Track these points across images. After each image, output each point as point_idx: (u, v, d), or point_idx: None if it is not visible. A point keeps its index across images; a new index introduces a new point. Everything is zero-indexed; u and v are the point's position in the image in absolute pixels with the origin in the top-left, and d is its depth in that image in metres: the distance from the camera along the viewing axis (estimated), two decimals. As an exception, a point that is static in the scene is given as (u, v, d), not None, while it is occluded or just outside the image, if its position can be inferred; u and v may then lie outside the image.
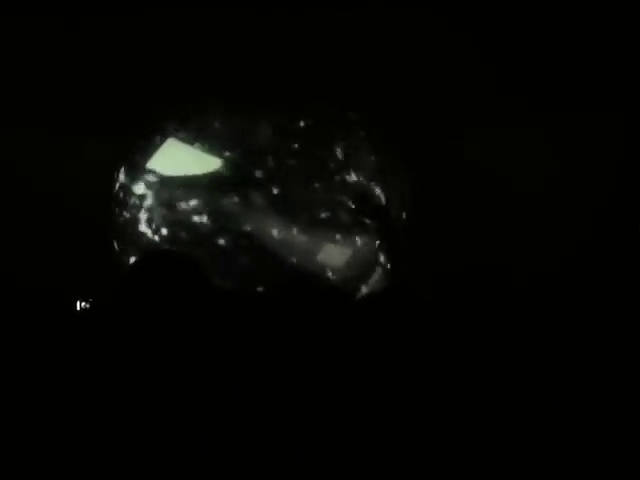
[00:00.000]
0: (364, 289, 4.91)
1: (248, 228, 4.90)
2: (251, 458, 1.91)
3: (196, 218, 4.88)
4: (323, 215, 4.93)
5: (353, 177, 5.00)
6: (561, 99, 4.50)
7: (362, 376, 2.09)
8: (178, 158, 4.93)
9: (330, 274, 4.88)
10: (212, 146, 4.92)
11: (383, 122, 4.75)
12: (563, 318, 2.41)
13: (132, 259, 4.70)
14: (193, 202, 4.88)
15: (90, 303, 2.60)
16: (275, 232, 4.93)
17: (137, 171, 4.89)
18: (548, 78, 4.52)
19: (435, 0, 4.41)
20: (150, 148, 4.88)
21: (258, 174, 4.92)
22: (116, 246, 4.83)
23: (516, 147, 4.56)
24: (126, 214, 4.90)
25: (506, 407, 2.10)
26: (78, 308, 2.69)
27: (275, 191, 4.92)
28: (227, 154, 4.91)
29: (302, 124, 4.89)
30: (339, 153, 4.96)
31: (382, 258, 4.97)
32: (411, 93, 4.56)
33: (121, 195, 4.87)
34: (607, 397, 2.11)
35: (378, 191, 4.94)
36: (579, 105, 4.49)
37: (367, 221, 4.85)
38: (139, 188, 4.91)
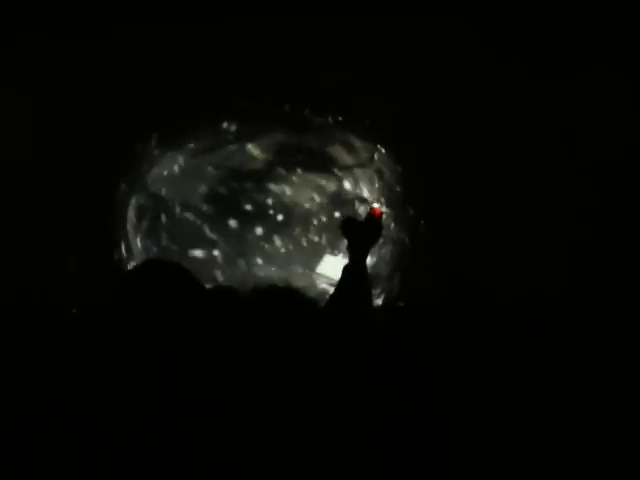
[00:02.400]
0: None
1: (245, 238, 4.91)
2: (246, 458, 1.91)
3: (196, 227, 4.89)
4: (321, 224, 4.93)
5: (355, 189, 5.01)
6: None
7: (355, 383, 2.09)
8: (178, 170, 4.94)
9: (329, 286, 4.87)
10: (211, 159, 4.93)
11: (393, 130, 4.73)
12: (567, 328, 2.40)
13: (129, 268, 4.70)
14: (192, 212, 4.89)
15: (89, 310, 2.60)
16: (274, 241, 4.93)
17: (137, 182, 4.90)
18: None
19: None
20: (150, 160, 4.88)
21: (256, 185, 4.93)
22: (116, 256, 4.82)
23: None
24: (126, 225, 4.91)
25: (503, 413, 2.09)
26: (78, 314, 2.69)
27: (273, 201, 4.93)
28: (225, 165, 4.92)
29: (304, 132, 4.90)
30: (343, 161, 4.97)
31: (384, 269, 4.97)
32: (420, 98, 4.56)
33: (121, 206, 4.87)
34: (605, 405, 2.10)
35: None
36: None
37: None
38: (139, 199, 4.91)
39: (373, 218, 2.88)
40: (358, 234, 2.69)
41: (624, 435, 2.08)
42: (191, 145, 4.88)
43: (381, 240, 2.82)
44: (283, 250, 4.96)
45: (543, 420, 2.12)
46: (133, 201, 4.90)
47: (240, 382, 2.01)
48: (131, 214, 4.90)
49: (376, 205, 3.05)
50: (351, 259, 2.59)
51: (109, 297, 2.09)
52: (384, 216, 2.99)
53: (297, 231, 5.00)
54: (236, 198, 4.94)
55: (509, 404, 2.13)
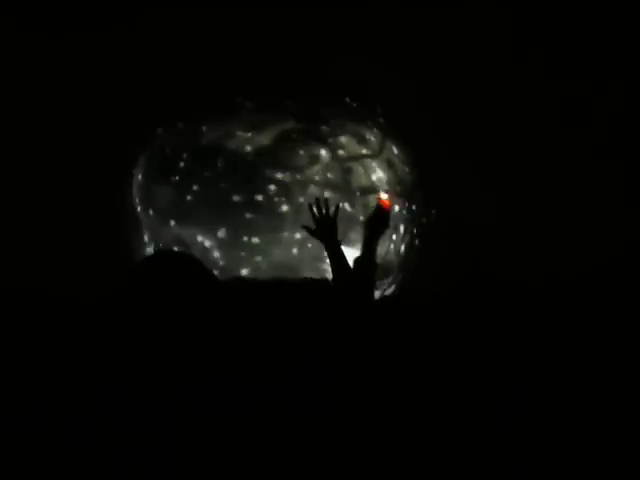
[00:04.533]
0: (376, 292, 4.88)
1: (254, 228, 4.90)
2: (252, 456, 1.91)
3: (205, 217, 4.88)
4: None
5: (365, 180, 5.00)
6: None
7: (363, 376, 2.09)
8: (186, 160, 4.93)
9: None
10: (220, 148, 4.92)
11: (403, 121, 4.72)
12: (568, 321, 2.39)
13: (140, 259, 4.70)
14: (201, 203, 4.88)
15: (98, 301, 2.61)
16: (282, 235, 4.92)
17: (146, 173, 4.89)
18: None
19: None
20: (158, 150, 4.88)
21: (266, 175, 4.92)
22: (126, 246, 4.82)
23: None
24: (136, 214, 4.91)
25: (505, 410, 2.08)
26: (87, 306, 2.70)
27: (282, 191, 4.92)
28: (235, 155, 4.91)
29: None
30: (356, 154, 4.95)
31: (393, 262, 4.97)
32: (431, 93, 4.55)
33: (130, 198, 4.87)
34: (607, 403, 2.10)
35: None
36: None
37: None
38: (148, 189, 4.91)
39: (382, 210, 2.92)
40: (371, 227, 2.73)
41: (629, 434, 2.08)
42: (200, 135, 4.88)
43: (387, 230, 2.86)
44: (292, 240, 4.96)
45: (553, 414, 2.12)
46: (142, 191, 4.91)
47: (252, 375, 2.01)
48: (140, 203, 4.91)
49: (384, 196, 3.06)
50: (364, 251, 2.63)
51: (119, 289, 2.09)
52: (393, 205, 3.02)
53: (306, 221, 4.99)
54: (245, 188, 4.93)
55: (521, 397, 2.13)
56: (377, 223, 2.85)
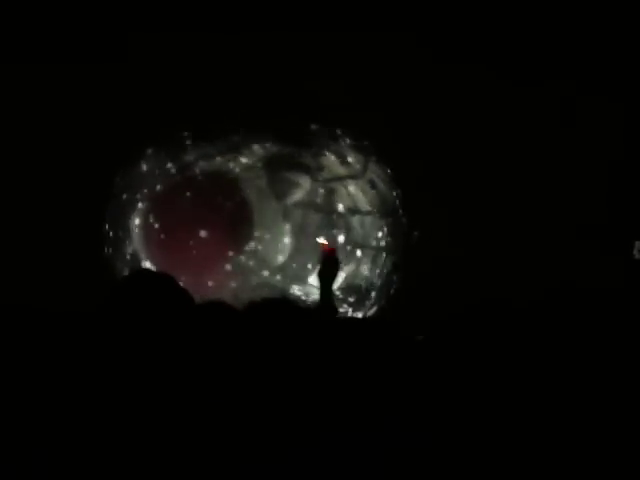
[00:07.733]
0: (358, 313, 4.89)
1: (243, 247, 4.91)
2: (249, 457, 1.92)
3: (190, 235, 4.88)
4: (314, 235, 4.91)
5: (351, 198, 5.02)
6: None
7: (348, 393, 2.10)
8: (172, 180, 4.94)
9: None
10: (203, 168, 4.93)
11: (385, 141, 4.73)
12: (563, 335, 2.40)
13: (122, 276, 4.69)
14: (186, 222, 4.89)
15: (81, 317, 2.62)
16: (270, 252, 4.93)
17: (132, 188, 4.90)
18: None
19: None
20: (144, 165, 4.87)
21: (249, 195, 4.94)
22: (110, 262, 4.82)
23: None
24: (130, 227, 4.91)
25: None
26: (70, 321, 2.70)
27: (265, 211, 4.94)
28: (218, 175, 4.92)
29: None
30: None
31: (377, 279, 4.97)
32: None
33: (114, 214, 4.87)
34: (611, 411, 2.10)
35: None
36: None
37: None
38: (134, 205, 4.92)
39: (329, 255, 3.05)
40: (322, 276, 2.88)
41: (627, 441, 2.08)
42: (184, 155, 4.89)
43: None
44: (275, 261, 4.97)
45: (548, 423, 2.12)
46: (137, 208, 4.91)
47: (229, 394, 2.02)
48: (134, 220, 4.91)
49: (322, 241, 3.19)
50: (324, 301, 2.78)
51: (98, 307, 2.10)
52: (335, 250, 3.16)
53: (289, 242, 5.01)
54: (228, 208, 4.94)
55: (512, 408, 2.13)
56: (329, 268, 2.99)
